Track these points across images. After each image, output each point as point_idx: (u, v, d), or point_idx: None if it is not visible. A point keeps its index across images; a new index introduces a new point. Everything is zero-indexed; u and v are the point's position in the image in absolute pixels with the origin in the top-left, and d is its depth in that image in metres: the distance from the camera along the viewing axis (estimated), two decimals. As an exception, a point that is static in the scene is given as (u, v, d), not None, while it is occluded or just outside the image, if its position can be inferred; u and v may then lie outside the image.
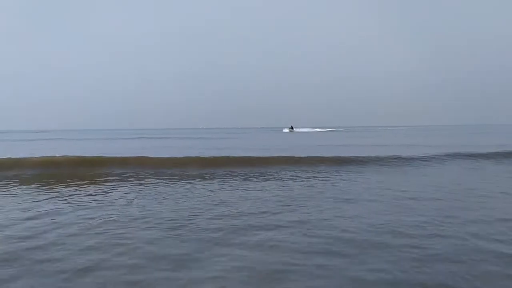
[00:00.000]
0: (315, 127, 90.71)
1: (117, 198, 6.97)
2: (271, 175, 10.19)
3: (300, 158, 13.15)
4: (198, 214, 5.65)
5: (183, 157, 13.03)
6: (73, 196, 7.23)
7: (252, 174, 10.26)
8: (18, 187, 8.49)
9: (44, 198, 7.08)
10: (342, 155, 13.89)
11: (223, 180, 9.26)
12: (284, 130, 66.87)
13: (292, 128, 68.39)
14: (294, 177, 9.75)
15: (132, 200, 6.77)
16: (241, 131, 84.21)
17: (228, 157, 13.17)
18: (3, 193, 7.76)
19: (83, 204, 6.47)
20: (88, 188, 8.23)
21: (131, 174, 10.32)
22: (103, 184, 8.72)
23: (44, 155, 12.83)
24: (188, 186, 8.44)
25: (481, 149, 16.67)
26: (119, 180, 9.30)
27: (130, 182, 8.98)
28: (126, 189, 8.01)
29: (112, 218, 5.41)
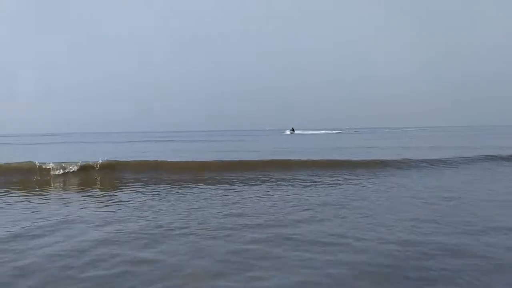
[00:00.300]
0: (321, 129, 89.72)
1: (133, 201, 7.10)
2: (286, 178, 10.08)
3: (315, 161, 12.86)
4: (210, 215, 5.75)
5: (203, 161, 12.93)
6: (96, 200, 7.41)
7: (274, 178, 10.16)
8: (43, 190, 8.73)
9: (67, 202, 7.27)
10: (355, 158, 13.73)
11: (250, 184, 9.20)
12: (285, 132, 65.43)
13: (293, 130, 66.80)
14: (311, 181, 9.57)
15: (150, 203, 6.83)
16: (244, 133, 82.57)
17: (253, 161, 12.90)
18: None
19: (105, 207, 6.65)
20: (108, 193, 8.35)
21: (152, 178, 10.30)
22: (125, 189, 8.80)
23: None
24: (205, 190, 8.43)
25: (501, 151, 16.23)
26: (136, 182, 9.49)
27: (149, 187, 9.00)
28: (146, 193, 8.06)
29: (128, 220, 5.56)
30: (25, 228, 5.06)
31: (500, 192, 7.65)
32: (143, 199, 7.22)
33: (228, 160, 13.09)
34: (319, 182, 9.26)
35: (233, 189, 8.39)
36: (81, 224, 5.27)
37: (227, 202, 6.81)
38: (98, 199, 7.40)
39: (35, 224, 5.26)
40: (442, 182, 9.02)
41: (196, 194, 7.67)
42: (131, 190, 8.33)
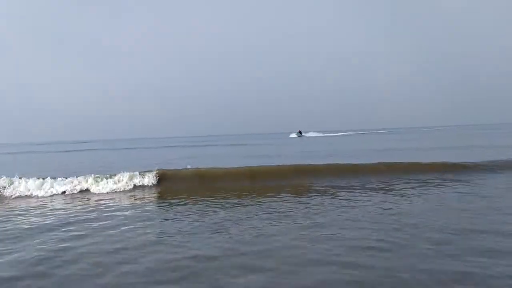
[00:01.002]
0: (325, 132, 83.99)
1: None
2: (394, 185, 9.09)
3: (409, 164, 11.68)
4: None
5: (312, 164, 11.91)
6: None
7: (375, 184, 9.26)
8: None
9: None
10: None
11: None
12: (291, 136, 60.70)
13: (300, 133, 62.00)
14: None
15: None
16: (254, 137, 78.19)
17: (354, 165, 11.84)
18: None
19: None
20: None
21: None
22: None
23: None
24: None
25: None
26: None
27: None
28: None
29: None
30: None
31: None
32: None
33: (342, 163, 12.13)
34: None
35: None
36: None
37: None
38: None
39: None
40: None
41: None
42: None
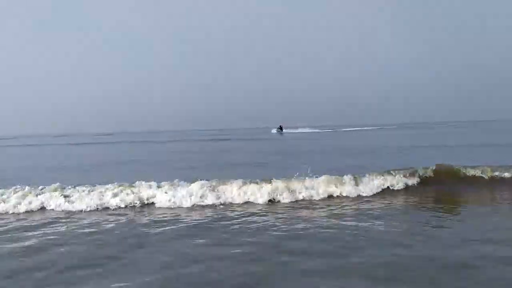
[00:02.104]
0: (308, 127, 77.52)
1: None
2: None
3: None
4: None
5: None
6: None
7: None
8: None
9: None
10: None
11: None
12: (272, 131, 59.46)
13: (281, 128, 60.38)
14: None
15: None
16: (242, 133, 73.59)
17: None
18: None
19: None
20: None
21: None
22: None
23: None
24: None
25: None
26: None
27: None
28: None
29: None
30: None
31: None
32: None
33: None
34: None
35: None
36: None
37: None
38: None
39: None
40: None
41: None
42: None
